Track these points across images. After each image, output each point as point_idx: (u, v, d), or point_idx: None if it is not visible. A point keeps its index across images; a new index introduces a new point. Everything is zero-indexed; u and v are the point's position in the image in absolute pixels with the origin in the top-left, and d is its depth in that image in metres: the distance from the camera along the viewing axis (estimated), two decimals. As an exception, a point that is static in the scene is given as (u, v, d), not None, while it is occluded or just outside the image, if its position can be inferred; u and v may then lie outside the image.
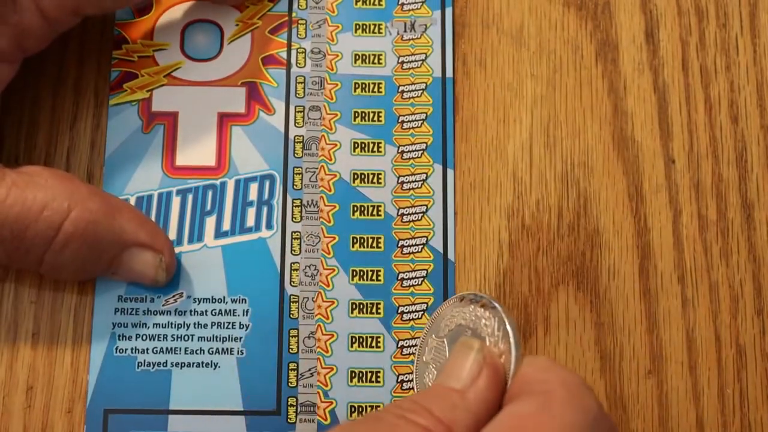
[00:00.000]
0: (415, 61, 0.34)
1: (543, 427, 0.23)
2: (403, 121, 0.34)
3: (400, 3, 0.35)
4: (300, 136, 0.33)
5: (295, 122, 0.34)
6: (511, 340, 0.25)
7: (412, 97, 0.34)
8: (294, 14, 0.35)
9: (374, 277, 0.32)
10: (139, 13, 0.34)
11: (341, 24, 0.35)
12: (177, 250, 0.32)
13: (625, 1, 0.35)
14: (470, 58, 0.34)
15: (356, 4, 0.35)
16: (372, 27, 0.35)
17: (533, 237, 0.33)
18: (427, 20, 0.35)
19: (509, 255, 0.33)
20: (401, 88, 0.34)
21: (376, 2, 0.35)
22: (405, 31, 0.34)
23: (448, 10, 0.35)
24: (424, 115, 0.34)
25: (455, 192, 0.33)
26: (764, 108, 0.34)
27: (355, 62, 0.34)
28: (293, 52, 0.34)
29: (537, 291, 0.32)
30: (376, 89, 0.34)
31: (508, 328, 0.25)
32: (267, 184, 0.33)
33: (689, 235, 0.33)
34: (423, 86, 0.34)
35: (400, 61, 0.34)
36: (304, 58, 0.34)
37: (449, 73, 0.34)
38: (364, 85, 0.34)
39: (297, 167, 0.33)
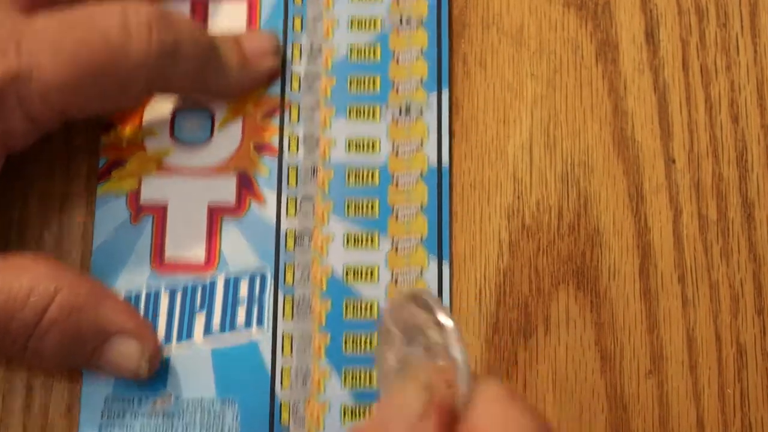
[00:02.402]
0: (410, 146, 0.33)
1: None
2: (397, 213, 0.32)
3: (395, 86, 0.33)
4: (292, 229, 0.32)
5: (287, 213, 0.32)
6: (459, 365, 0.24)
7: (407, 188, 0.33)
8: (287, 97, 0.33)
9: (369, 383, 0.31)
10: None
11: (335, 108, 0.33)
12: (165, 349, 0.31)
13: (625, 1, 0.35)
14: (470, 58, 0.34)
15: (350, 87, 0.34)
16: (366, 111, 0.33)
17: (533, 237, 0.33)
18: (422, 104, 0.33)
19: (509, 255, 0.33)
20: (396, 176, 0.33)
21: (371, 85, 0.34)
22: (400, 115, 0.33)
23: (444, 92, 0.33)
24: (420, 205, 0.32)
25: (454, 193, 0.33)
26: (765, 108, 0.34)
27: (349, 149, 0.33)
28: (285, 138, 0.33)
29: (537, 291, 0.32)
30: (370, 178, 0.33)
31: (456, 354, 0.24)
32: (258, 280, 0.32)
33: (689, 235, 0.33)
34: (418, 174, 0.33)
35: (395, 147, 0.33)
36: (297, 144, 0.33)
37: (445, 162, 0.33)
38: (357, 174, 0.33)
39: (289, 262, 0.32)
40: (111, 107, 0.32)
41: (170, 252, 0.32)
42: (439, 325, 0.25)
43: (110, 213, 0.32)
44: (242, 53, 0.33)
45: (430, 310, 0.25)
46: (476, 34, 0.35)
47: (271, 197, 0.33)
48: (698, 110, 0.34)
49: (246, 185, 0.33)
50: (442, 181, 0.33)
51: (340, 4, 0.34)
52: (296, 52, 0.34)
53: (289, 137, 0.33)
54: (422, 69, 0.34)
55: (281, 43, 0.34)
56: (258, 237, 0.32)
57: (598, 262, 0.32)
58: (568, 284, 0.32)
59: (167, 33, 0.30)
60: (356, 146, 0.33)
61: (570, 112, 0.34)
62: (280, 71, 0.34)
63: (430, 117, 0.33)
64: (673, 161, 0.33)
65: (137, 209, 0.32)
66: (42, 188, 0.33)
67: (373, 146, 0.33)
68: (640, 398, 0.31)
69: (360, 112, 0.33)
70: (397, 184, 0.33)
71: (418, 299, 0.26)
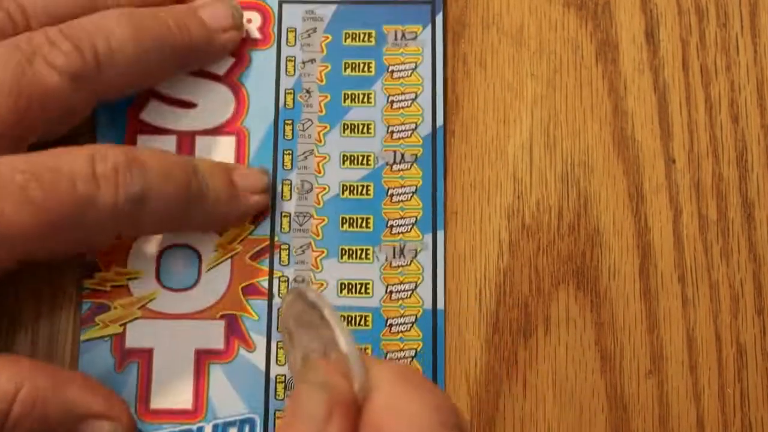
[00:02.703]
0: (405, 291, 0.32)
1: None
2: (390, 359, 0.31)
3: (389, 225, 0.32)
4: (282, 375, 0.31)
5: (276, 360, 0.31)
6: (349, 355, 0.24)
7: (401, 331, 0.31)
8: (276, 238, 0.32)
9: None
10: None
11: (326, 249, 0.32)
12: None
13: (625, 1, 0.35)
14: (470, 58, 0.34)
15: (342, 227, 0.32)
16: (359, 252, 0.32)
17: (533, 237, 0.33)
18: (417, 245, 0.32)
19: (509, 255, 0.33)
20: (389, 321, 0.32)
21: (364, 225, 0.32)
22: (394, 257, 0.32)
23: (440, 234, 0.32)
24: (414, 351, 0.31)
25: (454, 193, 0.33)
26: (764, 107, 0.34)
27: (341, 292, 0.32)
28: (275, 281, 0.32)
29: (537, 291, 0.32)
30: (363, 322, 0.32)
31: (343, 346, 0.24)
32: (247, 428, 0.31)
33: (689, 235, 0.33)
34: (413, 319, 0.32)
35: (388, 290, 0.32)
36: (287, 287, 0.32)
37: (440, 305, 0.32)
38: (350, 318, 0.32)
39: (279, 410, 0.31)
40: (79, 252, 0.31)
41: (156, 399, 0.31)
42: (324, 320, 0.24)
43: (94, 360, 0.31)
44: (232, 184, 0.31)
45: (315, 306, 0.25)
46: (476, 34, 0.35)
47: (260, 342, 0.31)
48: (698, 110, 0.34)
49: (234, 330, 0.31)
50: (437, 325, 0.32)
51: (332, 138, 0.33)
52: (286, 190, 0.33)
53: (279, 279, 0.32)
54: (417, 208, 0.33)
55: (270, 182, 0.33)
56: (247, 384, 0.31)
57: (598, 262, 0.32)
58: (568, 284, 0.32)
59: (136, 179, 0.28)
60: (348, 289, 0.32)
61: (570, 112, 0.34)
62: (270, 210, 0.33)
63: (425, 259, 0.32)
64: (673, 161, 0.33)
65: (122, 355, 0.31)
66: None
67: (366, 289, 0.32)
68: (640, 398, 0.31)
69: (352, 253, 0.32)
70: (390, 329, 0.32)
71: (304, 298, 0.25)
